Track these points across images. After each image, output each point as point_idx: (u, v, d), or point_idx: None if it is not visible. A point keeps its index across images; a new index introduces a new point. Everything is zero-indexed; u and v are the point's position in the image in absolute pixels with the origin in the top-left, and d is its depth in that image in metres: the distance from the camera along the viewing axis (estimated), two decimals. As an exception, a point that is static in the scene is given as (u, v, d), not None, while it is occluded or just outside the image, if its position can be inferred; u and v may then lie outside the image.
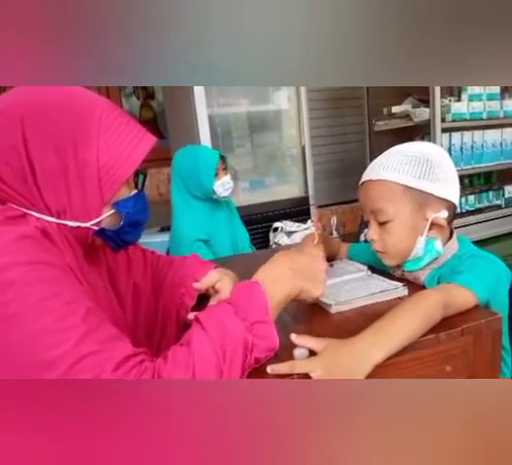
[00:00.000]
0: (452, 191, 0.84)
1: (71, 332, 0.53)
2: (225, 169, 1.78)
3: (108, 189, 0.66)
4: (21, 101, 0.63)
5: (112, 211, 0.69)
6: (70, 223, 0.66)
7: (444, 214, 0.83)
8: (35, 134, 0.61)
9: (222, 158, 1.77)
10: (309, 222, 2.45)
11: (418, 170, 0.81)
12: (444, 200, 0.83)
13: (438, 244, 0.85)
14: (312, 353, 0.64)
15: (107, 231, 0.69)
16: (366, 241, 0.92)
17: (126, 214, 0.70)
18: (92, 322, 0.56)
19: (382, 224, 0.85)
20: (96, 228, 0.68)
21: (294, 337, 0.66)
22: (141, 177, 0.74)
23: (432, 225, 0.83)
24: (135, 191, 0.73)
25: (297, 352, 0.65)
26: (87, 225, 0.67)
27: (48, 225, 0.64)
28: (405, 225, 0.84)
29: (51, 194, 0.63)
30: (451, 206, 0.85)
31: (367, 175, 0.87)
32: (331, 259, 1.05)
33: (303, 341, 0.65)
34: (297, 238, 2.24)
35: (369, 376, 0.60)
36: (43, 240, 0.60)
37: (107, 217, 0.69)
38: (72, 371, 0.51)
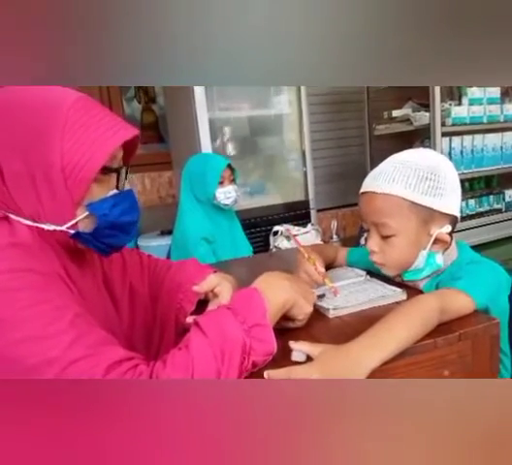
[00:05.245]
0: (456, 205, 0.84)
1: (59, 338, 0.52)
2: (233, 180, 1.84)
3: (75, 189, 0.62)
4: None
5: (86, 213, 0.65)
6: (45, 226, 0.63)
7: (448, 229, 0.83)
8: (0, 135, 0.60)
9: (232, 169, 1.84)
10: (310, 226, 2.45)
11: (426, 186, 0.80)
12: (448, 215, 0.83)
13: (439, 258, 0.85)
14: (310, 357, 0.64)
15: (83, 234, 0.66)
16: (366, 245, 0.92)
17: (102, 216, 0.66)
18: (81, 327, 0.55)
19: (384, 237, 0.84)
20: (72, 231, 0.65)
21: (291, 343, 0.66)
22: (122, 176, 0.69)
23: (436, 240, 0.83)
24: (114, 191, 0.69)
25: (295, 353, 0.66)
26: (63, 228, 0.64)
27: (32, 229, 0.62)
28: (408, 240, 0.82)
29: (22, 196, 0.62)
30: (454, 219, 0.85)
31: (369, 186, 0.84)
32: (329, 265, 1.05)
33: (299, 346, 0.66)
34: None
35: (367, 381, 0.61)
36: (30, 247, 0.59)
37: (82, 219, 0.65)
38: (61, 377, 0.51)
